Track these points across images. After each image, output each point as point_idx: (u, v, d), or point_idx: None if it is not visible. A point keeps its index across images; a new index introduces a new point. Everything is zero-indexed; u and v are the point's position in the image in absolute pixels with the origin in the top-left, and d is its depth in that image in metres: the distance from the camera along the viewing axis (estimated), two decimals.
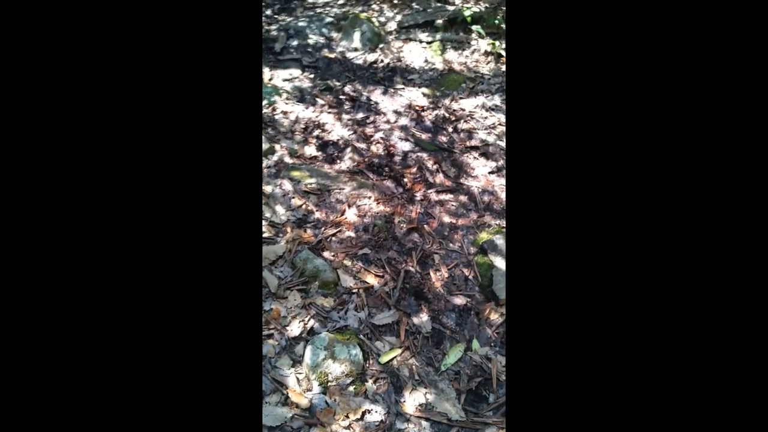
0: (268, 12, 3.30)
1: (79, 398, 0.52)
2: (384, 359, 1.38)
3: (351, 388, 1.28)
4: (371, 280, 1.60)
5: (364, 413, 1.24)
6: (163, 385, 0.54)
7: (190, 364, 0.55)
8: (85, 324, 0.53)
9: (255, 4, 0.59)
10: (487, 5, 3.23)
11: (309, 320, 1.42)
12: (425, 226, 1.83)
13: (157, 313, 0.55)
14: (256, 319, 0.60)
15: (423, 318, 1.52)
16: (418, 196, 1.97)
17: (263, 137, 2.11)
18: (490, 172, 2.15)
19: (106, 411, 0.52)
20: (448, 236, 1.82)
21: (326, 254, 1.65)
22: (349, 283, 1.57)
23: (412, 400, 1.30)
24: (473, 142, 2.30)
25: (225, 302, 0.57)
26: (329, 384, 1.28)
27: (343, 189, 1.95)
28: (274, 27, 3.08)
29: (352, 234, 1.77)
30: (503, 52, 2.85)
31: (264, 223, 1.72)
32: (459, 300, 1.59)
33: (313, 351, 1.31)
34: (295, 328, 1.40)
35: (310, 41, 2.94)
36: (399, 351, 1.41)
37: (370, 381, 1.32)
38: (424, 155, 2.18)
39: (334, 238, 1.73)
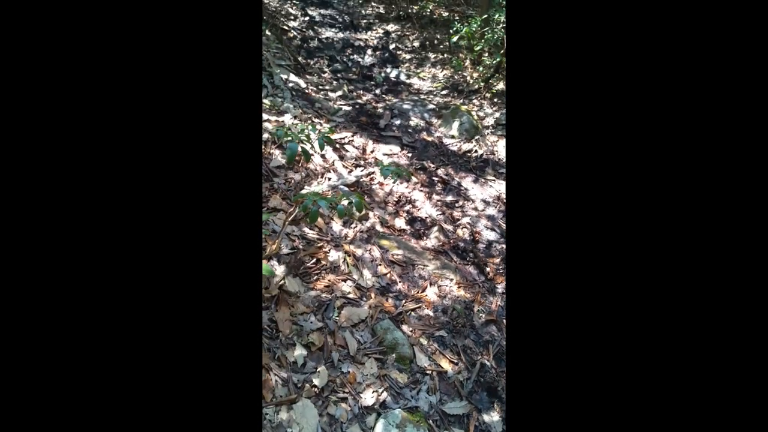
0: (377, 91, 3.66)
1: (79, 399, 0.52)
2: None
3: None
4: (445, 365, 1.59)
5: None
6: (164, 391, 0.55)
7: (192, 379, 0.55)
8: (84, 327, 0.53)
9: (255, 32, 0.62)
10: None
11: (382, 392, 1.43)
12: (505, 320, 1.82)
13: (157, 317, 0.55)
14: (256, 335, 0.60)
15: (494, 417, 1.47)
16: (500, 288, 1.98)
17: (362, 203, 2.26)
18: None
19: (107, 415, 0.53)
20: None
21: (405, 327, 1.68)
22: (423, 362, 1.58)
23: None
24: None
25: (226, 316, 0.57)
26: None
27: (427, 266, 2.01)
28: (380, 105, 3.39)
29: (431, 313, 1.79)
30: None
31: (351, 284, 1.80)
32: None
33: (385, 426, 1.31)
34: (368, 398, 1.41)
35: (412, 123, 3.19)
36: None
37: None
38: None
39: (413, 313, 1.77)
